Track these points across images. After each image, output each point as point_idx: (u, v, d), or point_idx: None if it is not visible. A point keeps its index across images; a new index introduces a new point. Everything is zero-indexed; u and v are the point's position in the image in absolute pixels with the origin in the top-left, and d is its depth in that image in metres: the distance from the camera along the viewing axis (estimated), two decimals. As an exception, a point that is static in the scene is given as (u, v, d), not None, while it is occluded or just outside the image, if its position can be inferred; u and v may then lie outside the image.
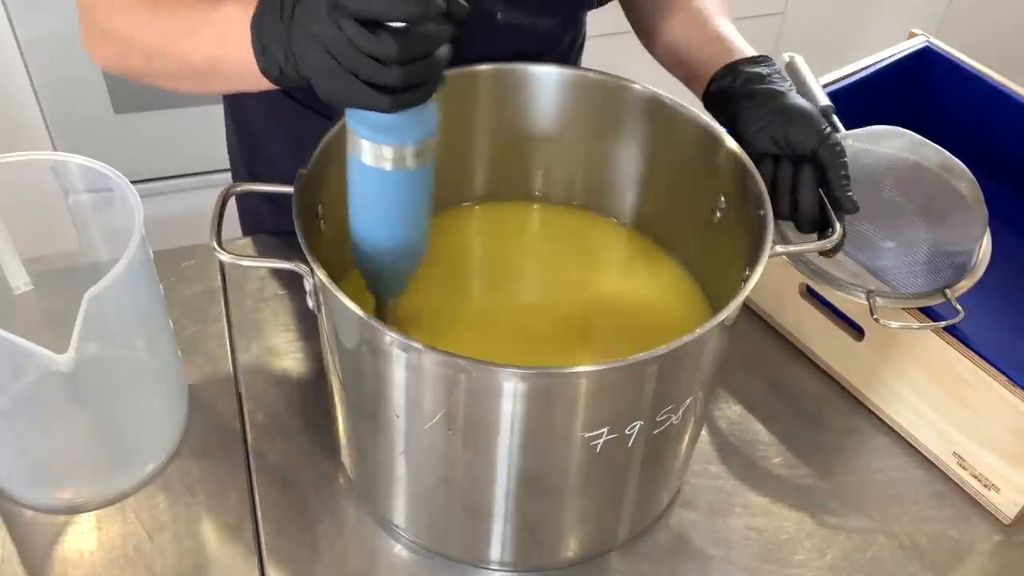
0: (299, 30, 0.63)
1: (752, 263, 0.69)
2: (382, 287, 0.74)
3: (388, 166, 0.64)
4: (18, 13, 1.59)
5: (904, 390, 0.87)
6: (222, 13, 0.71)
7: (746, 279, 0.67)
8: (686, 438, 0.77)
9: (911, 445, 0.89)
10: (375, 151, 0.63)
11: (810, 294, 0.92)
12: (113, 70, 0.80)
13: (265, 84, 0.70)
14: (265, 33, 0.66)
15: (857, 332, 0.89)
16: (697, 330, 0.63)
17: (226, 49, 0.70)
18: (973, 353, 0.80)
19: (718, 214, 0.80)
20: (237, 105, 1.07)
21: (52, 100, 1.70)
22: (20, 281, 0.83)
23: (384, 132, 0.63)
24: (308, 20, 0.62)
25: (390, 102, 0.61)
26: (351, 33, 0.60)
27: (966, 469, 0.85)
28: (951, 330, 0.81)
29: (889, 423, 0.90)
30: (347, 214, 0.70)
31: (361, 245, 0.70)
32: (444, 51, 0.62)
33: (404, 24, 0.59)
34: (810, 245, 0.75)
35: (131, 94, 1.73)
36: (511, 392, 0.63)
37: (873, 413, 0.91)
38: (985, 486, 0.84)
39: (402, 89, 0.61)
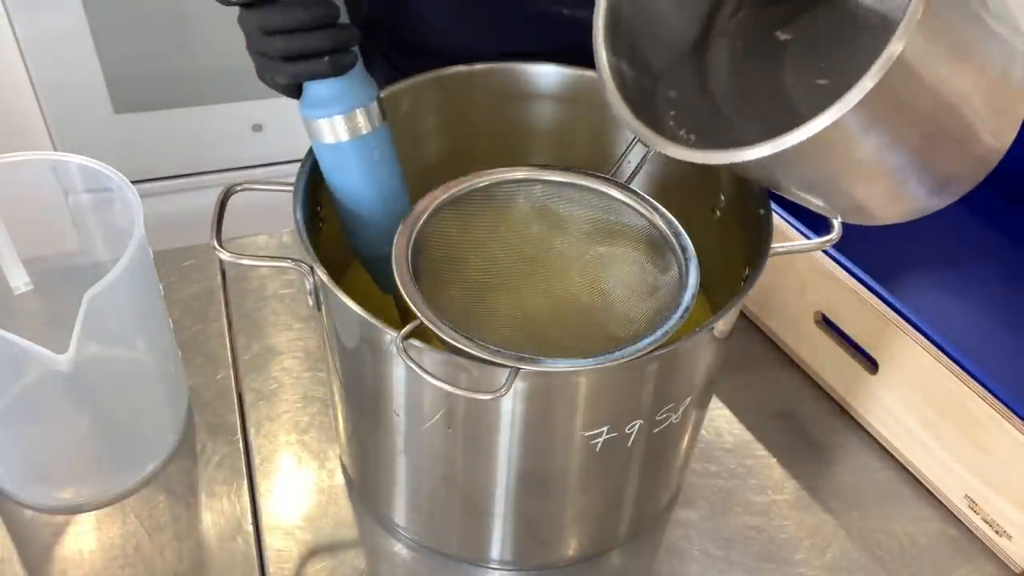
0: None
1: (753, 262, 0.68)
2: (387, 280, 0.75)
3: (335, 139, 0.70)
4: (18, 13, 1.59)
5: (916, 426, 0.85)
6: None
7: (747, 278, 0.67)
8: (686, 437, 0.77)
9: (921, 484, 0.87)
10: (328, 126, 0.69)
11: (825, 323, 0.90)
12: None
13: None
14: None
15: (871, 365, 0.87)
16: (697, 329, 0.63)
17: None
18: (988, 393, 0.77)
19: (718, 213, 0.80)
20: None
21: (52, 100, 1.70)
22: (20, 281, 0.83)
23: (323, 106, 0.69)
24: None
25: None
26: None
27: (978, 513, 0.82)
28: (967, 369, 0.78)
29: (900, 460, 0.88)
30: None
31: (350, 226, 0.74)
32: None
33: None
34: (810, 243, 0.75)
35: (131, 94, 1.73)
36: (510, 391, 0.63)
37: (884, 448, 0.89)
38: (997, 532, 0.81)
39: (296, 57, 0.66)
